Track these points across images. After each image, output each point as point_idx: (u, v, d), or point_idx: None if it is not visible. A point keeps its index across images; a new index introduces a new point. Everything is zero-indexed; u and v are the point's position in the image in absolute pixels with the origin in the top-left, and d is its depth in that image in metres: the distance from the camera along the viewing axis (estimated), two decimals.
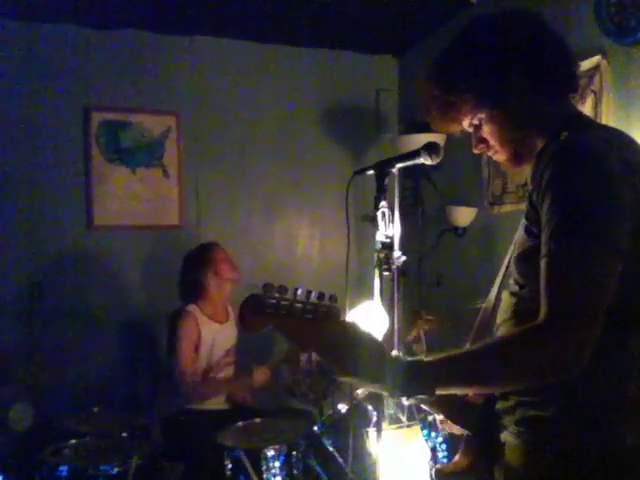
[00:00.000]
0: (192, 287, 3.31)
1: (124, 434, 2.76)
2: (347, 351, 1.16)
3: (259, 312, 1.17)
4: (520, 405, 1.24)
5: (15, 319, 3.40)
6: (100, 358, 3.69)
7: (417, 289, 3.62)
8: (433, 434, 2.51)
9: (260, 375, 3.18)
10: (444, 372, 1.16)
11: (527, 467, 1.23)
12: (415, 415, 1.94)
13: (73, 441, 2.61)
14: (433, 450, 2.43)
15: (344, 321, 1.22)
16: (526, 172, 1.35)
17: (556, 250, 1.09)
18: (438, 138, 3.21)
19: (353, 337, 1.18)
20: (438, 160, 1.51)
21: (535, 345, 1.08)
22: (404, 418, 1.85)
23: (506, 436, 1.28)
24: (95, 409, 3.00)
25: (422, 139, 1.70)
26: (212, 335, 3.26)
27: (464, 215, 3.47)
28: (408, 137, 3.52)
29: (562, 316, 1.06)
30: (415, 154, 1.52)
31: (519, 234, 1.28)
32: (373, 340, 1.21)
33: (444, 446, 2.51)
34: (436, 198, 3.79)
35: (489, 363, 1.13)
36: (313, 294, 1.20)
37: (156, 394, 3.32)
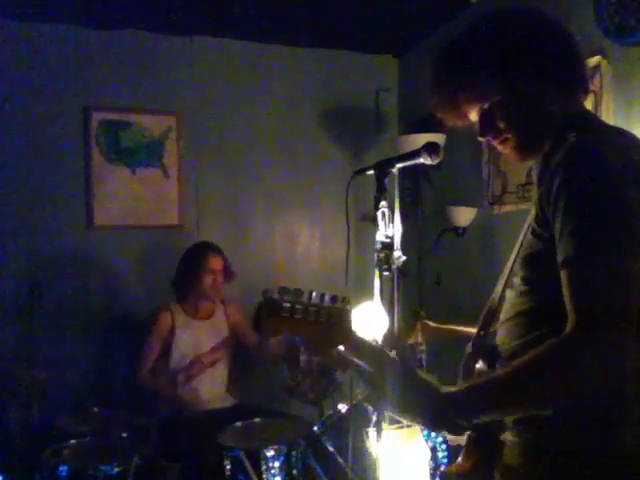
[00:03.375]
0: (176, 286, 3.36)
1: (124, 434, 2.76)
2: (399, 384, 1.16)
3: (275, 316, 1.16)
4: None
5: (15, 319, 3.40)
6: (100, 358, 3.70)
7: (417, 289, 3.61)
8: (433, 434, 2.51)
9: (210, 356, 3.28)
10: (480, 401, 1.14)
11: (526, 467, 1.23)
12: None
13: (73, 441, 2.62)
14: (433, 450, 2.44)
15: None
16: (532, 172, 1.34)
17: (577, 258, 1.08)
18: (438, 138, 3.22)
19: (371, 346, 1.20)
20: (438, 160, 1.51)
21: (575, 356, 1.05)
22: None
23: (506, 435, 1.27)
24: (95, 409, 3.00)
25: (422, 139, 1.71)
26: (193, 334, 3.29)
27: (464, 215, 3.47)
28: (408, 137, 3.51)
29: (595, 322, 1.04)
30: (415, 154, 1.52)
31: (525, 235, 1.28)
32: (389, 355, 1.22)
33: (444, 446, 2.51)
34: (436, 198, 3.79)
35: (529, 386, 1.10)
36: (327, 297, 1.19)
37: (156, 394, 3.32)
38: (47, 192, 3.63)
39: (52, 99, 3.63)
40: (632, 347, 1.04)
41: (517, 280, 1.28)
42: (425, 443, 1.85)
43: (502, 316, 1.33)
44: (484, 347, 1.36)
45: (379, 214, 1.45)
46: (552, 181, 1.14)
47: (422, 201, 3.81)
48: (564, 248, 1.10)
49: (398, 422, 1.78)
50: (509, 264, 1.36)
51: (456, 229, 3.51)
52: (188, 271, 3.31)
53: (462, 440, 1.40)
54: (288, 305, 1.16)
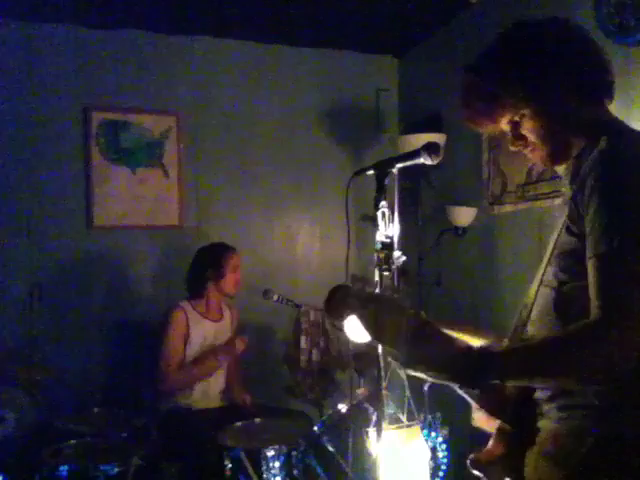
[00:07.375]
0: (192, 283, 3.35)
1: (124, 434, 2.75)
2: (427, 340, 1.22)
3: (344, 300, 1.26)
4: (561, 393, 1.27)
5: (15, 319, 3.40)
6: (100, 358, 3.70)
7: (417, 289, 3.62)
8: (433, 434, 2.51)
9: (240, 343, 3.29)
10: (511, 364, 1.20)
11: (567, 451, 1.25)
12: (415, 415, 1.93)
13: (73, 441, 2.61)
14: (433, 450, 2.43)
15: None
16: (560, 171, 1.41)
17: (607, 251, 1.13)
18: (438, 138, 3.22)
19: (432, 328, 1.24)
20: (438, 160, 1.51)
21: (590, 342, 1.11)
22: (404, 418, 1.85)
23: (544, 423, 1.31)
24: (95, 409, 3.00)
25: (422, 139, 1.71)
26: (204, 333, 3.29)
27: (464, 215, 3.47)
28: (408, 137, 3.51)
29: (616, 314, 1.09)
30: (415, 154, 1.52)
31: (559, 232, 1.32)
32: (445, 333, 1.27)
33: (444, 446, 2.51)
34: (436, 198, 3.80)
35: (547, 358, 1.17)
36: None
37: (156, 394, 3.32)
38: (47, 192, 3.63)
39: (52, 99, 3.63)
40: None
41: (550, 277, 1.32)
42: (425, 443, 1.85)
43: (535, 312, 1.36)
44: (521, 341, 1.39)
45: (379, 214, 1.45)
46: (586, 181, 1.20)
47: (422, 201, 3.81)
48: (595, 241, 1.15)
49: (398, 422, 1.78)
50: (544, 261, 1.38)
51: (456, 229, 3.50)
52: (210, 271, 3.32)
53: (483, 425, 1.40)
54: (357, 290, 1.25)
